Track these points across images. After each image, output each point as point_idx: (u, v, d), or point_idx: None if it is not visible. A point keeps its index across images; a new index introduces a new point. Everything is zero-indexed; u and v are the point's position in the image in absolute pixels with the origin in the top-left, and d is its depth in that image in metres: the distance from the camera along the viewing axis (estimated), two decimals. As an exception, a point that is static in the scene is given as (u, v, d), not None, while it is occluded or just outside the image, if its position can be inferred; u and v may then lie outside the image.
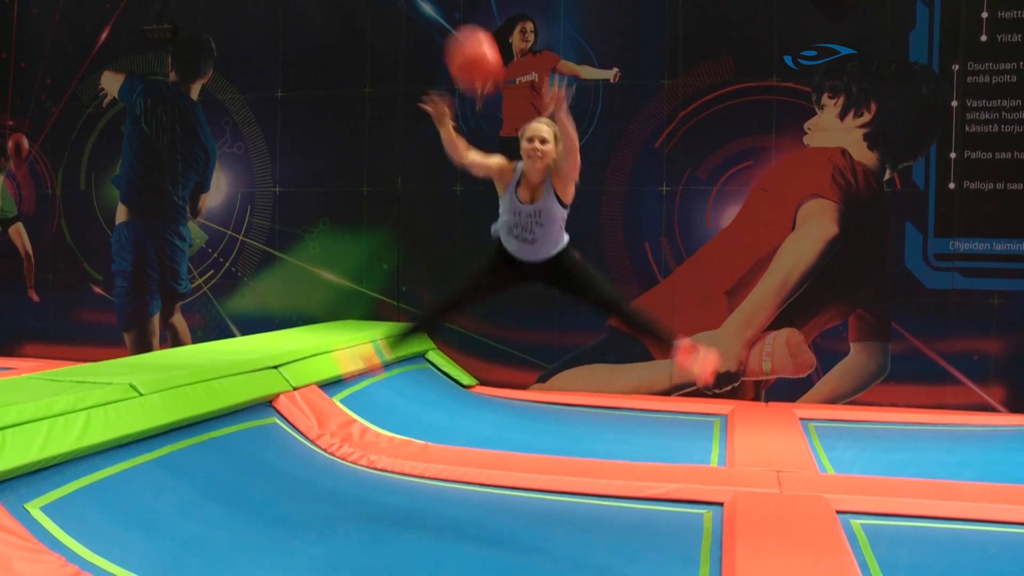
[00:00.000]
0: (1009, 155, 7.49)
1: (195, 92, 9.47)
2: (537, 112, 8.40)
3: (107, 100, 9.79)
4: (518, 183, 3.93)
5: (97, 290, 9.88)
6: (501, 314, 8.40)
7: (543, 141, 3.79)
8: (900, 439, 6.62)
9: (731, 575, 3.67)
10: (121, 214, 9.76)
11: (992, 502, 4.75)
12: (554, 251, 4.05)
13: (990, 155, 7.54)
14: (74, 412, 4.21)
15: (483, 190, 8.89)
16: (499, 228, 4.10)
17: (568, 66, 8.40)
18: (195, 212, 9.53)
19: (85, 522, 3.78)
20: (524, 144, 3.83)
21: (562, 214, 3.94)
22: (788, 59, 7.81)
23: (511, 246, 4.03)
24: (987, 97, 7.53)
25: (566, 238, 4.11)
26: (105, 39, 9.75)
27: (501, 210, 4.09)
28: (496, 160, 4.02)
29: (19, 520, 3.56)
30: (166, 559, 3.72)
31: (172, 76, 9.55)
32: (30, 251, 10.13)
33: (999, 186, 7.52)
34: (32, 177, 10.10)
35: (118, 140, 9.76)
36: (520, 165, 3.98)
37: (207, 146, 9.47)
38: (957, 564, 4.07)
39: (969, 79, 7.56)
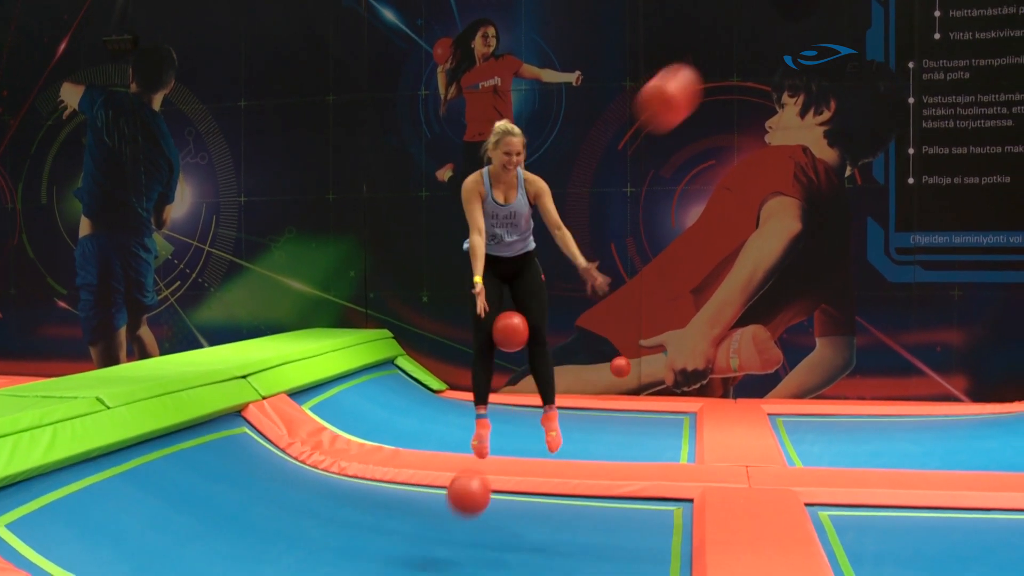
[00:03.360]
0: (965, 150, 7.64)
1: (157, 103, 9.40)
2: (499, 115, 8.45)
3: (67, 112, 9.68)
4: (491, 187, 4.28)
5: (61, 304, 9.76)
6: (469, 317, 8.40)
7: (518, 154, 4.23)
8: (866, 431, 6.72)
9: (702, 570, 3.70)
10: (84, 227, 9.66)
11: (956, 490, 4.85)
12: (525, 249, 4.44)
13: (947, 150, 7.68)
14: (40, 427, 4.16)
15: (448, 196, 8.93)
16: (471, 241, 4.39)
17: (530, 70, 8.44)
18: (160, 223, 9.45)
19: (53, 538, 3.73)
20: (501, 155, 4.22)
21: (530, 212, 4.37)
22: (788, 59, 7.90)
23: (490, 249, 4.35)
24: (942, 94, 7.67)
25: (534, 243, 4.52)
26: (64, 50, 9.65)
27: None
28: (474, 201, 4.31)
29: (-15, 538, 3.52)
30: (136, 572, 3.69)
31: (133, 87, 9.47)
32: (-9, 267, 9.99)
33: (956, 180, 7.67)
34: (-8, 192, 9.97)
35: (79, 152, 9.65)
36: (486, 171, 4.33)
37: (170, 157, 9.40)
38: (922, 551, 4.14)
39: (925, 76, 7.70)
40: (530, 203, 4.34)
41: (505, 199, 4.29)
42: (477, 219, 4.27)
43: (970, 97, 7.59)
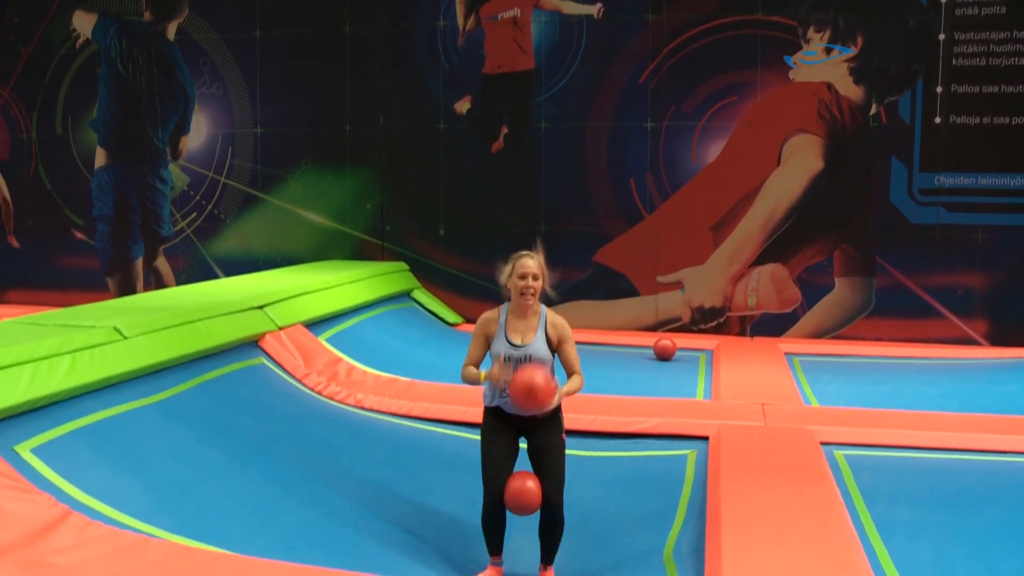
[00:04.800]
0: (996, 88, 7.44)
1: (171, 32, 9.27)
2: (518, 46, 8.31)
3: (80, 41, 9.57)
4: (505, 325, 3.75)
5: (78, 235, 9.78)
6: (486, 251, 8.38)
7: (535, 277, 3.68)
8: (883, 372, 6.70)
9: (716, 505, 3.72)
10: (100, 158, 9.62)
11: (972, 432, 4.84)
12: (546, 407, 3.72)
13: (977, 89, 7.49)
14: (59, 355, 4.19)
15: (466, 128, 8.84)
16: (488, 389, 3.80)
17: (550, 1, 8.25)
18: (176, 154, 9.41)
19: (75, 463, 3.78)
20: (516, 281, 3.68)
21: (551, 361, 3.77)
22: (788, 59, 7.70)
23: (503, 400, 3.74)
24: (975, 30, 7.45)
25: (559, 401, 3.81)
26: (76, -24, 9.51)
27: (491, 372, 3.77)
28: (479, 336, 3.78)
29: (8, 461, 3.56)
30: (157, 500, 3.74)
31: (147, 15, 9.34)
32: (7, 197, 9.99)
33: (985, 120, 7.49)
34: (5, 121, 9.91)
35: (94, 82, 9.57)
36: (504, 308, 3.80)
37: (185, 87, 9.30)
38: (935, 491, 4.15)
39: (958, 11, 7.47)
40: (552, 350, 3.75)
41: (522, 340, 3.70)
42: (473, 353, 3.74)
43: (1005, 33, 7.36)
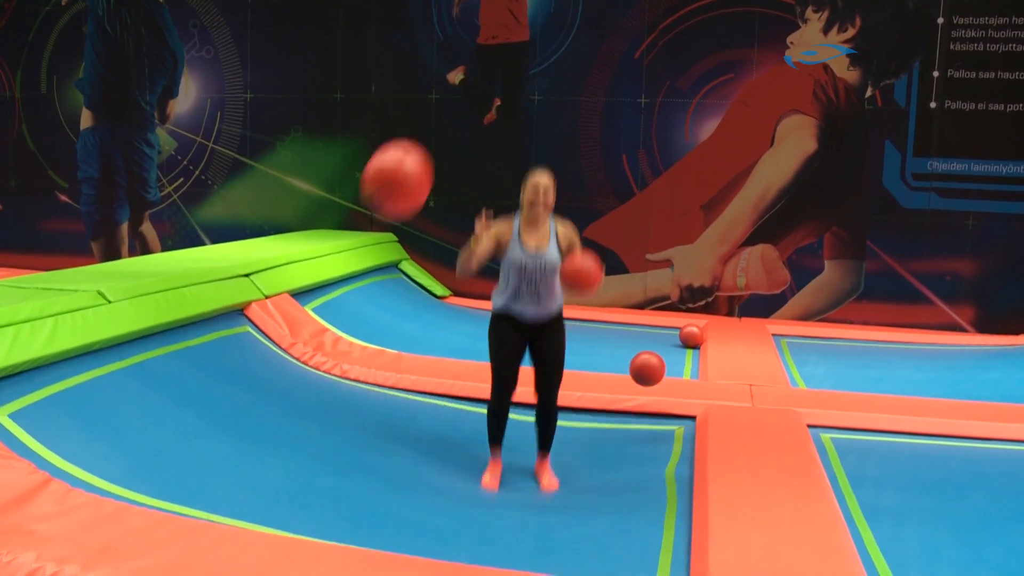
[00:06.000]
0: (992, 75, 7.40)
1: (160, -8, 9.12)
2: (514, 17, 8.21)
3: (67, -2, 9.40)
4: (520, 233, 4.02)
5: (63, 198, 9.65)
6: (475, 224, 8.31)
7: (545, 191, 3.99)
8: (870, 356, 6.71)
9: (703, 486, 3.71)
10: (86, 119, 9.47)
11: (957, 418, 4.85)
12: (555, 308, 4.13)
13: (973, 74, 7.45)
14: (41, 319, 4.12)
15: (458, 99, 8.74)
16: (499, 296, 4.11)
17: (548, -29, 8.15)
18: (163, 118, 9.27)
19: (55, 429, 3.73)
20: (528, 195, 3.99)
21: (559, 266, 4.05)
22: (788, 59, 7.62)
23: (517, 307, 4.04)
24: (974, 14, 7.39)
25: (562, 300, 4.19)
26: (64, -68, 9.32)
27: (503, 279, 4.09)
28: (493, 235, 4.01)
29: (-13, 427, 3.52)
30: (137, 466, 3.70)
31: (136, -27, 9.17)
32: (-9, 155, 9.84)
33: (980, 106, 7.46)
34: (-10, 78, 9.75)
35: (81, 41, 9.40)
36: (517, 218, 4.06)
37: (174, 49, 9.15)
38: (920, 476, 4.16)
39: (957, -6, 7.42)
40: (562, 253, 4.03)
41: (537, 248, 3.98)
42: (483, 239, 3.93)
43: (1004, 19, 7.31)
